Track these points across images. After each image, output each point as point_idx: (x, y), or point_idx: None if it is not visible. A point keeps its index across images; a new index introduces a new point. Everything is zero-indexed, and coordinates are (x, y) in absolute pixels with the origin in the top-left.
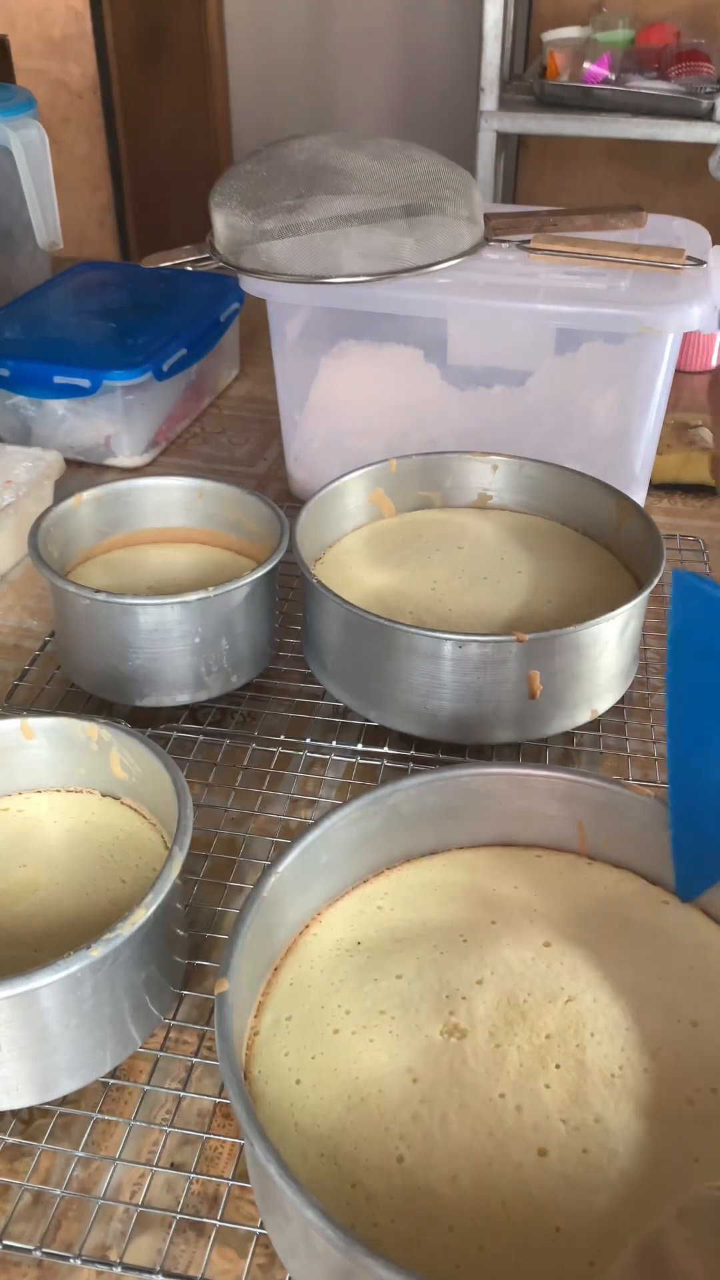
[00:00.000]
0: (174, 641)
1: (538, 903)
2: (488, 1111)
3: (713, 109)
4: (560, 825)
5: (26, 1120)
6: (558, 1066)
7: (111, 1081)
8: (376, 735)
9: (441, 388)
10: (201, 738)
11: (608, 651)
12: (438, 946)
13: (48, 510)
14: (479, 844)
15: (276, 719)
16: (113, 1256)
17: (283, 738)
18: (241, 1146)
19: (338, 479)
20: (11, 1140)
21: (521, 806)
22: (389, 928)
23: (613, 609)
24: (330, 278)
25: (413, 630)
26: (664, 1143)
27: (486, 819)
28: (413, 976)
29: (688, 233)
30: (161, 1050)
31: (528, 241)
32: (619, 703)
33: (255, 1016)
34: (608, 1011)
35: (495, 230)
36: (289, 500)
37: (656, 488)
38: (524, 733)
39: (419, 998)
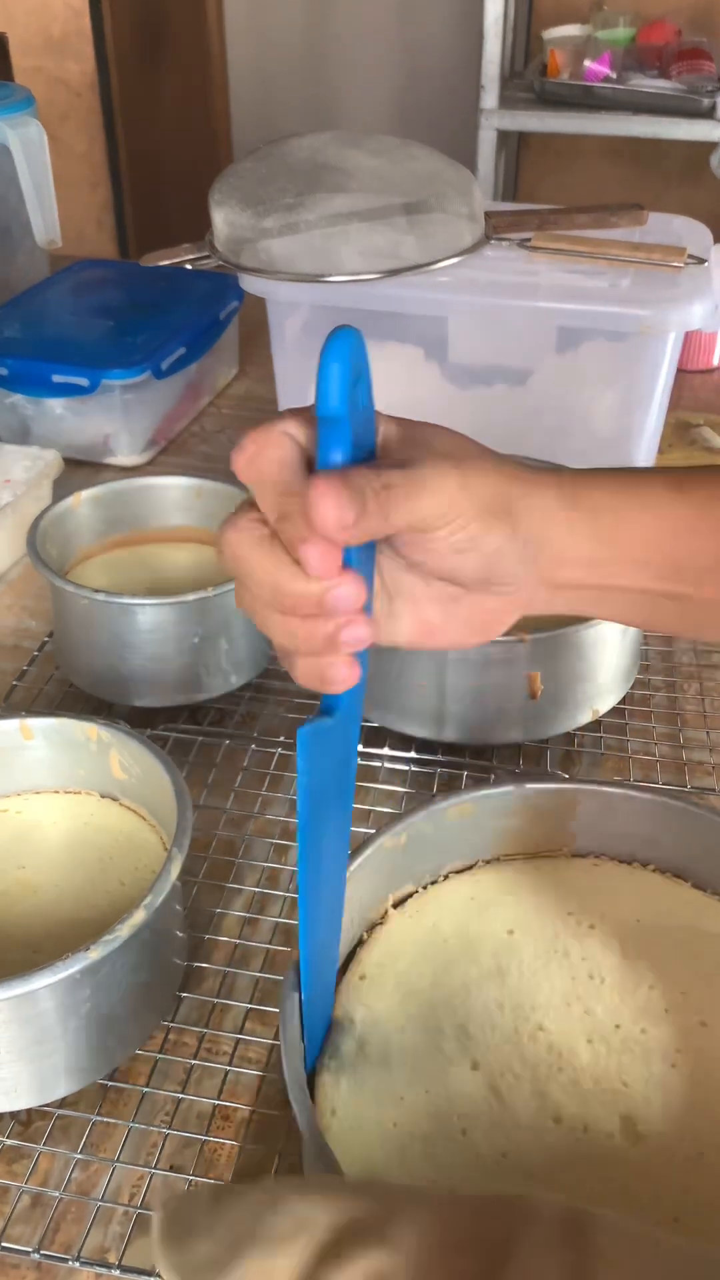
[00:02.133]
0: (173, 641)
1: (592, 915)
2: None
3: (714, 107)
4: (608, 835)
5: (25, 1122)
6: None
7: (110, 1083)
8: (377, 736)
9: (442, 386)
10: (200, 738)
11: (609, 652)
12: (484, 965)
13: (46, 510)
14: (525, 854)
15: (276, 719)
16: (111, 1259)
17: (282, 738)
18: (241, 1148)
19: None
20: (10, 1142)
21: (564, 819)
22: (439, 942)
23: None
24: (330, 276)
25: None
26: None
27: (528, 831)
28: (456, 1007)
29: (688, 231)
30: (160, 1052)
31: (528, 240)
32: (620, 703)
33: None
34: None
35: (496, 228)
36: None
37: None
38: (525, 733)
39: (464, 1033)
